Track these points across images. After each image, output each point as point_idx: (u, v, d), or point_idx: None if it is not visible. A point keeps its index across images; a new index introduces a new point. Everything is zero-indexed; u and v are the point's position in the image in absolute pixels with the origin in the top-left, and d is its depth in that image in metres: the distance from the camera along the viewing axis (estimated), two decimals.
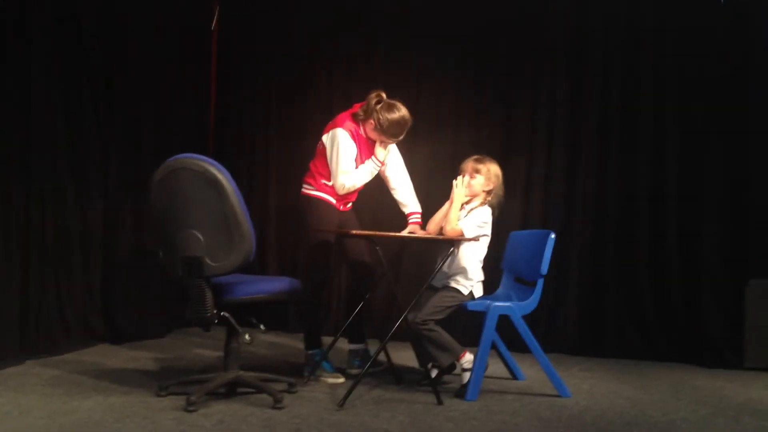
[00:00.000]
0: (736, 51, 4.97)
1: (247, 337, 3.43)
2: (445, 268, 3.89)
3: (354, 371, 4.08)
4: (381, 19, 5.66)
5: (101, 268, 4.89)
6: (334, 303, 5.60)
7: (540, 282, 3.81)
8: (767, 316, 4.67)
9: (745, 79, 4.95)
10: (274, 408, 3.33)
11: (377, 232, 3.92)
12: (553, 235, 3.79)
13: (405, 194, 4.23)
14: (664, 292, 5.07)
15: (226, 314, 3.39)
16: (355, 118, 4.01)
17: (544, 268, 3.77)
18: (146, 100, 5.23)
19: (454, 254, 3.86)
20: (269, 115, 5.92)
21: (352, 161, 3.97)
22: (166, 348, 4.87)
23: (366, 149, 4.03)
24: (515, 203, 5.20)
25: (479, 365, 3.67)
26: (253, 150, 5.96)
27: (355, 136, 3.97)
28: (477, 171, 3.95)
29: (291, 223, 5.68)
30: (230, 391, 3.59)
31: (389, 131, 3.95)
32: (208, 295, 3.33)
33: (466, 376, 3.73)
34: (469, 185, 3.94)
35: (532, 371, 4.27)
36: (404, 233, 4.16)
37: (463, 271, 3.89)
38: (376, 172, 4.06)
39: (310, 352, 4.06)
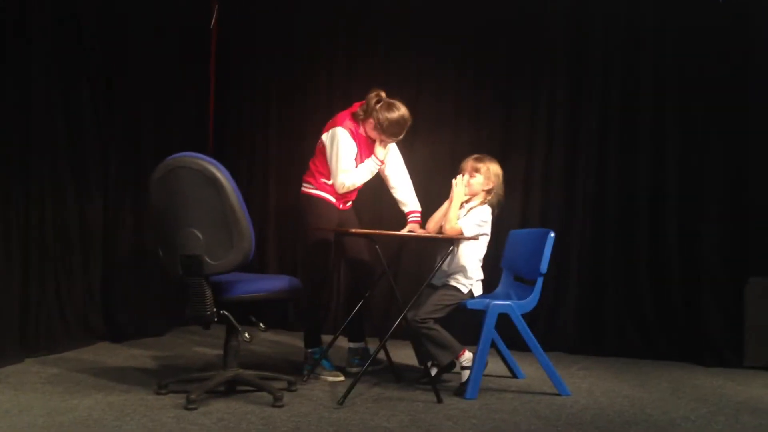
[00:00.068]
0: (736, 51, 4.97)
1: (246, 335, 3.43)
2: (444, 266, 3.90)
3: (353, 369, 4.08)
4: (381, 19, 5.66)
5: (101, 267, 4.90)
6: (334, 301, 5.60)
7: (539, 281, 3.81)
8: (767, 316, 4.67)
9: (745, 79, 4.95)
10: (273, 406, 3.33)
11: (377, 231, 3.92)
12: (552, 234, 3.79)
13: (404, 193, 4.23)
14: (664, 292, 5.08)
15: (226, 313, 3.39)
16: (354, 117, 4.02)
17: (544, 266, 3.77)
18: (146, 100, 5.23)
19: (453, 253, 3.86)
20: (269, 114, 5.92)
21: (352, 160, 3.97)
22: (165, 346, 4.87)
23: (366, 148, 4.03)
24: (515, 203, 5.21)
25: (479, 364, 3.67)
26: (253, 150, 5.96)
27: (354, 135, 3.97)
28: (476, 170, 3.96)
29: (291, 222, 5.69)
30: (230, 389, 3.59)
31: (389, 130, 3.95)
32: (208, 294, 3.33)
33: (466, 374, 3.73)
34: (468, 184, 3.94)
35: (531, 370, 4.27)
36: (404, 232, 4.16)
37: (462, 270, 3.89)
38: (375, 171, 4.06)
39: (309, 350, 4.06)
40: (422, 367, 3.90)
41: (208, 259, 3.27)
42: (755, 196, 4.90)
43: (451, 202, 3.89)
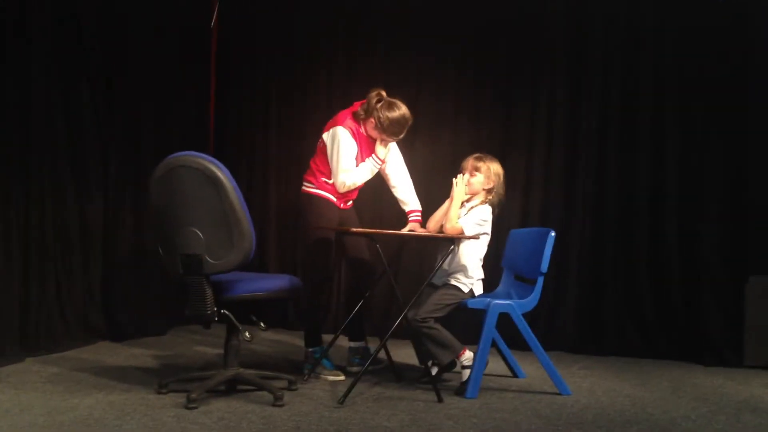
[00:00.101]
0: (736, 51, 4.97)
1: (247, 334, 3.43)
2: (445, 265, 3.90)
3: (354, 369, 4.08)
4: (381, 19, 5.66)
5: (101, 266, 4.90)
6: (334, 301, 5.60)
7: (540, 280, 3.81)
8: (767, 315, 4.67)
9: (745, 79, 4.95)
10: (274, 405, 3.33)
11: (377, 230, 3.92)
12: (553, 233, 3.79)
13: (405, 192, 4.23)
14: (664, 291, 5.08)
15: (226, 312, 3.39)
16: (355, 116, 4.02)
17: (545, 266, 3.77)
18: (146, 99, 5.23)
19: (454, 252, 3.86)
20: (269, 114, 5.92)
21: (353, 159, 3.97)
22: (166, 345, 4.87)
23: (366, 147, 4.03)
24: (515, 202, 5.21)
25: (479, 363, 3.67)
26: (253, 149, 5.96)
27: (355, 135, 3.97)
28: (477, 169, 3.96)
29: (291, 221, 5.69)
30: (230, 388, 3.59)
31: (390, 129, 3.95)
32: (208, 293, 3.33)
33: (466, 373, 3.73)
34: (468, 183, 3.94)
35: (532, 369, 4.27)
36: (404, 231, 4.16)
37: (463, 269, 3.89)
38: (376, 171, 4.06)
39: (310, 349, 4.06)
40: (423, 366, 3.90)
41: (208, 259, 3.27)
42: (755, 196, 4.90)
43: (451, 201, 3.89)
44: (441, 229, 3.94)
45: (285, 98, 5.89)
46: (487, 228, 3.93)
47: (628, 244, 5.16)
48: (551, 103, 5.32)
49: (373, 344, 4.15)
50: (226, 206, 3.24)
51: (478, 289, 3.97)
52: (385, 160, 4.10)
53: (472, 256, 3.90)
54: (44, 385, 3.62)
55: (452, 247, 3.82)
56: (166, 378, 3.59)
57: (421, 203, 4.26)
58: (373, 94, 3.95)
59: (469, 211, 3.93)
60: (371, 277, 4.25)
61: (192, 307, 3.37)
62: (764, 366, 4.63)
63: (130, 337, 4.93)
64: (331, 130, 3.99)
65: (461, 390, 3.70)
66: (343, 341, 4.27)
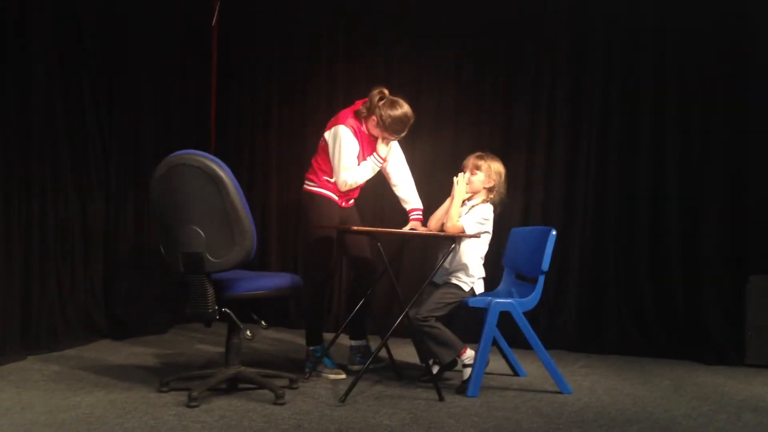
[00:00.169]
0: (736, 51, 4.98)
1: (248, 333, 3.43)
2: (446, 264, 3.90)
3: (355, 367, 4.08)
4: (381, 18, 5.67)
5: (102, 265, 4.91)
6: (335, 299, 5.61)
7: (541, 279, 3.81)
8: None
9: (745, 79, 4.96)
10: (275, 404, 3.33)
11: (378, 229, 3.92)
12: (554, 232, 3.79)
13: (406, 191, 4.23)
14: (665, 291, 5.08)
15: (227, 310, 3.40)
16: (357, 114, 4.02)
17: (546, 264, 3.77)
18: (147, 99, 5.24)
19: (455, 251, 3.86)
20: (270, 114, 5.93)
21: (354, 158, 3.97)
22: (167, 344, 4.87)
23: (368, 146, 4.03)
24: (516, 201, 5.22)
25: (480, 361, 3.67)
26: (253, 149, 5.97)
27: (357, 133, 3.97)
28: (478, 168, 3.96)
29: (292, 220, 5.69)
30: (231, 386, 3.60)
31: (391, 128, 3.95)
32: (209, 291, 3.33)
33: (467, 372, 3.72)
34: (469, 181, 3.94)
35: (533, 368, 4.27)
36: (405, 229, 4.16)
37: (464, 268, 3.89)
38: (377, 169, 4.06)
39: (311, 348, 4.06)
40: (424, 365, 3.90)
41: (209, 257, 3.27)
42: (755, 196, 4.91)
43: (452, 199, 3.89)
44: (442, 228, 3.94)
45: (285, 98, 5.90)
46: (488, 226, 3.93)
47: (628, 244, 5.17)
48: (551, 102, 5.33)
49: (374, 343, 4.15)
50: (227, 204, 3.24)
51: (479, 288, 3.97)
52: (387, 158, 4.10)
53: (473, 254, 3.90)
54: (45, 383, 3.62)
55: (453, 245, 3.82)
56: (167, 376, 3.59)
57: (423, 202, 4.26)
58: (376, 92, 3.95)
59: (470, 209, 3.93)
60: (372, 275, 4.24)
61: (193, 305, 3.36)
62: (765, 365, 4.63)
63: (132, 336, 4.93)
64: (332, 129, 3.99)
65: (462, 388, 3.70)
66: (345, 340, 4.27)
